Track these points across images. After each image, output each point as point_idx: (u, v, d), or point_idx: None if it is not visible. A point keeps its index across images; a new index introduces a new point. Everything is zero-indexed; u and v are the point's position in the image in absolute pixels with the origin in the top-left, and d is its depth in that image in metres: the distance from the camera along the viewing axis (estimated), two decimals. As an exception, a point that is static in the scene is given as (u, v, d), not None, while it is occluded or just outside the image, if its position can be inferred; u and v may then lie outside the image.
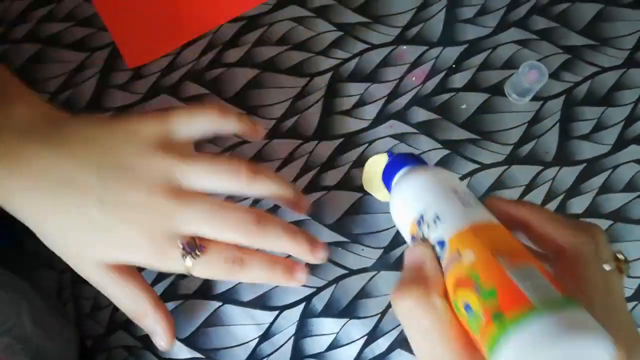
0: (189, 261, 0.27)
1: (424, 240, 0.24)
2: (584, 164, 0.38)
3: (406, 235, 0.26)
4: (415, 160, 0.28)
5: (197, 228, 0.27)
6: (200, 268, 0.27)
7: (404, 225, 0.26)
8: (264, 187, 0.29)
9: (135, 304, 0.29)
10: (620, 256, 0.23)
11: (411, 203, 0.26)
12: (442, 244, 0.23)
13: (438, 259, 0.23)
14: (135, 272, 0.29)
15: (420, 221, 0.25)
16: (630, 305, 0.36)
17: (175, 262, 0.27)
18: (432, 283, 0.22)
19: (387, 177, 0.29)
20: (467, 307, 0.21)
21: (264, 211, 0.29)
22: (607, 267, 0.22)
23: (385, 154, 0.37)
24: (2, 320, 0.28)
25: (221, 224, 0.27)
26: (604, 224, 0.37)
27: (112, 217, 0.27)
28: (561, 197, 0.37)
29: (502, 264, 0.20)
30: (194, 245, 0.27)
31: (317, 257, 0.29)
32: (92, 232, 0.27)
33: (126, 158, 0.27)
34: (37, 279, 0.36)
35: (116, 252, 0.27)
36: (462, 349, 0.21)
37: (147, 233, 0.27)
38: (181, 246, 0.27)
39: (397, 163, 0.28)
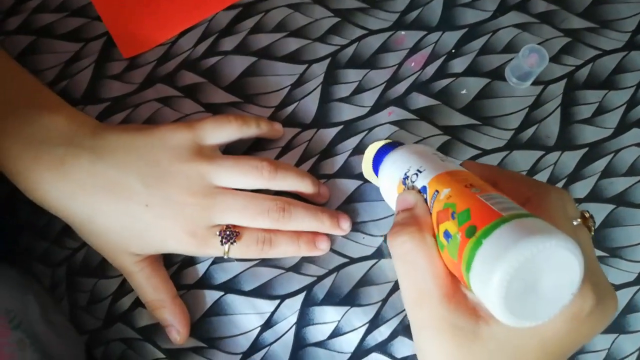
0: (226, 247, 0.32)
1: (412, 188, 0.27)
2: (586, 148, 0.37)
3: (393, 200, 0.29)
4: (397, 145, 0.31)
5: (231, 218, 0.32)
6: (236, 251, 0.32)
7: (393, 194, 0.29)
8: (285, 181, 0.33)
9: (156, 295, 0.33)
10: (586, 214, 0.25)
11: (395, 171, 0.29)
12: (424, 188, 0.26)
13: (425, 202, 0.25)
14: (161, 266, 0.34)
15: (404, 180, 0.28)
16: (632, 290, 0.35)
17: (214, 249, 0.32)
18: (423, 222, 0.24)
19: (375, 167, 0.32)
20: (446, 234, 0.23)
21: (287, 198, 0.33)
22: (575, 222, 0.24)
23: (385, 141, 0.37)
24: (12, 316, 0.28)
25: (251, 213, 0.32)
26: (606, 208, 0.36)
27: (157, 215, 0.31)
28: (563, 181, 0.37)
29: (474, 192, 0.23)
30: (230, 233, 0.32)
31: (342, 227, 0.34)
32: (136, 230, 0.31)
33: (164, 163, 0.31)
34: (33, 275, 0.35)
35: (158, 245, 0.32)
36: (447, 283, 0.23)
37: (189, 227, 0.31)
38: (219, 235, 0.32)
39: (380, 152, 0.31)
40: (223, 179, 0.32)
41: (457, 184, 0.24)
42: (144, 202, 0.31)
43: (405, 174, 0.28)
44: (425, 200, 0.25)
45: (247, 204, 0.32)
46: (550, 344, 0.22)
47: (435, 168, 0.26)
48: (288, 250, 0.33)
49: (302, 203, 0.34)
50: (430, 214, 0.25)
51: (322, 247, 0.34)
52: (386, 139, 0.37)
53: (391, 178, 0.29)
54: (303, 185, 0.34)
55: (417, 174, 0.27)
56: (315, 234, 0.34)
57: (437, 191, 0.25)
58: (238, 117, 0.34)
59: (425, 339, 0.23)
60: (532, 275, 0.19)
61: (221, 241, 0.32)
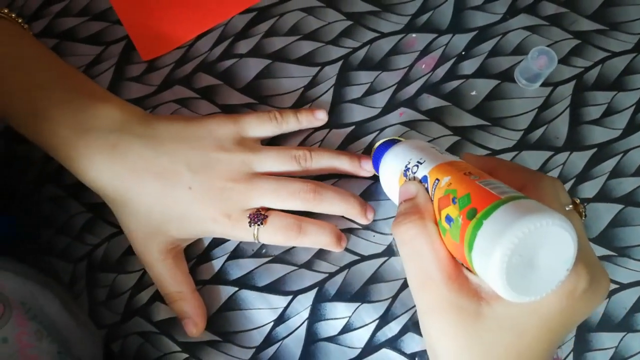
0: (255, 230, 0.33)
1: (413, 178, 0.28)
2: (595, 149, 0.38)
3: (394, 192, 0.30)
4: (396, 142, 0.32)
5: (265, 200, 0.33)
6: (265, 235, 0.34)
7: (394, 186, 0.30)
8: (320, 163, 0.35)
9: (178, 286, 0.34)
10: (577, 200, 0.26)
11: (396, 164, 0.30)
12: (425, 178, 0.27)
13: (427, 191, 0.27)
14: (184, 260, 0.36)
15: (405, 172, 0.29)
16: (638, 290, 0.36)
17: (245, 232, 0.33)
18: (425, 210, 0.26)
19: (376, 162, 0.33)
20: (448, 219, 0.24)
21: (319, 182, 0.35)
22: (567, 208, 0.25)
23: (393, 138, 0.38)
24: (27, 307, 0.29)
25: (283, 195, 0.33)
26: (615, 208, 0.37)
27: (198, 197, 0.33)
28: (572, 181, 0.37)
29: (473, 179, 0.24)
30: (258, 216, 0.33)
31: (368, 217, 0.36)
32: (178, 212, 0.33)
33: (210, 152, 0.33)
34: (52, 270, 0.37)
35: (197, 226, 0.34)
36: (449, 266, 0.24)
37: (225, 209, 0.33)
38: (248, 218, 0.33)
39: (380, 148, 0.33)
40: (263, 166, 0.34)
41: (457, 172, 0.25)
42: (187, 185, 0.32)
43: (406, 166, 0.29)
44: (427, 189, 0.27)
45: (279, 186, 0.34)
46: (548, 321, 0.23)
47: (434, 159, 0.28)
48: (316, 238, 0.34)
49: (332, 187, 0.35)
50: (432, 201, 0.26)
51: (343, 244, 0.36)
52: (394, 137, 0.38)
53: (392, 171, 0.31)
54: (339, 162, 0.36)
55: (417, 165, 0.28)
56: (337, 229, 0.36)
57: (437, 179, 0.26)
58: (278, 114, 0.36)
59: (430, 320, 0.25)
60: (530, 251, 0.21)
61: (249, 223, 0.33)
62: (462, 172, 0.25)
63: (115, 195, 0.33)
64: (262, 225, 0.33)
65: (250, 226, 0.33)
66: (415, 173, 0.28)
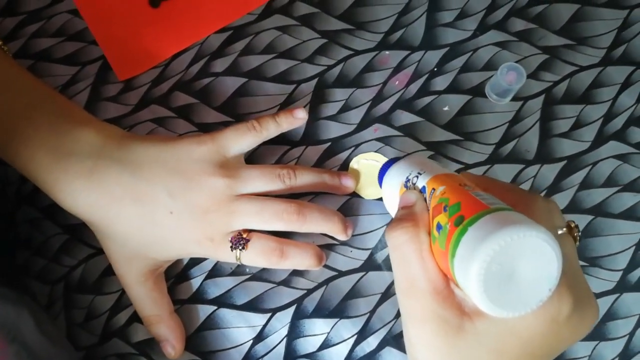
0: (237, 253, 0.33)
1: (413, 188, 0.29)
2: (565, 161, 0.39)
3: (395, 205, 0.30)
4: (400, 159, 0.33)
5: (248, 222, 0.33)
6: (247, 258, 0.33)
7: (395, 198, 0.30)
8: (304, 181, 0.35)
9: (157, 309, 0.34)
10: (572, 224, 0.26)
11: (398, 177, 0.31)
12: (424, 188, 0.28)
13: (425, 201, 0.27)
14: (163, 281, 0.35)
15: (406, 183, 0.30)
16: (611, 298, 0.37)
17: (228, 254, 0.33)
18: (420, 218, 0.26)
19: (380, 179, 0.34)
20: (438, 226, 0.24)
21: (302, 201, 0.35)
22: (560, 231, 0.25)
23: (368, 153, 0.38)
24: (8, 330, 0.29)
25: (267, 215, 0.33)
26: (585, 218, 0.38)
27: (180, 221, 0.32)
28: (543, 193, 0.38)
29: (467, 190, 0.25)
30: (239, 240, 0.33)
31: (348, 233, 0.36)
32: (159, 236, 0.33)
33: (190, 175, 0.33)
34: (29, 291, 0.36)
35: (178, 249, 0.34)
36: (436, 277, 0.24)
37: (209, 233, 0.33)
38: (230, 242, 0.33)
39: (385, 165, 0.33)
40: (245, 188, 0.34)
41: (452, 182, 0.26)
42: (168, 209, 0.32)
43: (407, 178, 0.29)
44: (425, 199, 0.27)
45: (262, 208, 0.33)
46: (529, 345, 0.23)
47: (433, 170, 0.28)
48: (297, 261, 0.34)
49: (316, 205, 0.35)
50: (429, 211, 0.26)
51: (323, 262, 0.36)
52: (374, 152, 0.39)
53: (394, 183, 0.31)
54: (321, 180, 0.36)
55: (417, 176, 0.29)
56: (318, 249, 0.36)
57: (433, 189, 0.26)
58: (256, 122, 0.35)
59: (413, 328, 0.25)
60: (511, 262, 0.20)
61: (231, 247, 0.33)
62: (457, 183, 0.26)
63: (94, 220, 0.33)
64: (243, 250, 0.33)
65: (232, 250, 0.33)
66: (415, 183, 0.29)
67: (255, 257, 0.33)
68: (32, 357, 0.29)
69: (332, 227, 0.35)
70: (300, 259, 0.34)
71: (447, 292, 0.24)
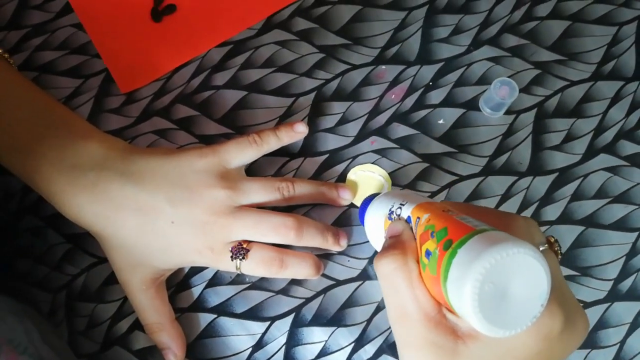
0: (237, 263, 0.34)
1: (399, 218, 0.29)
2: (556, 173, 0.40)
3: (380, 239, 0.31)
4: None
5: (246, 233, 0.34)
6: (247, 267, 0.34)
7: (379, 232, 0.31)
8: (303, 195, 0.36)
9: (158, 317, 0.35)
10: (552, 239, 0.27)
11: (380, 210, 0.31)
12: (409, 218, 0.28)
13: (412, 231, 0.27)
14: (164, 290, 0.36)
15: (390, 215, 0.30)
16: (603, 307, 0.37)
17: (229, 264, 0.34)
18: (408, 246, 0.26)
19: (361, 216, 0.34)
20: (427, 253, 0.24)
21: (300, 216, 0.35)
22: (541, 247, 0.26)
23: (366, 165, 0.39)
24: (17, 343, 0.29)
25: (265, 228, 0.34)
26: (576, 229, 0.39)
27: (181, 232, 0.33)
28: (535, 205, 0.39)
29: (451, 215, 0.25)
30: (239, 250, 0.34)
31: (341, 244, 0.37)
32: (160, 245, 0.33)
33: (191, 186, 0.33)
34: (31, 300, 0.37)
35: (180, 258, 0.34)
36: (427, 304, 0.24)
37: (210, 243, 0.33)
38: (230, 252, 0.34)
39: (365, 202, 0.34)
40: (246, 200, 0.34)
41: (436, 209, 0.26)
42: (169, 219, 0.33)
43: (390, 210, 0.30)
44: (411, 228, 0.27)
45: (260, 220, 0.34)
46: None
47: (416, 200, 0.29)
48: (297, 271, 0.35)
49: (312, 221, 0.36)
50: (416, 240, 0.26)
51: (320, 273, 0.36)
52: (371, 163, 0.40)
53: (377, 217, 0.31)
54: (319, 192, 0.37)
55: (400, 207, 0.29)
56: (316, 258, 0.36)
57: (418, 217, 0.27)
58: (256, 135, 0.36)
59: (407, 354, 0.25)
60: (503, 280, 0.21)
61: (231, 257, 0.34)
62: (441, 209, 0.26)
63: (98, 230, 0.33)
64: (244, 260, 0.34)
65: (232, 260, 0.34)
66: (399, 214, 0.29)
67: (255, 266, 0.34)
68: None
69: (324, 242, 0.36)
70: (299, 268, 0.35)
71: (439, 318, 0.24)
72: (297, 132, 0.37)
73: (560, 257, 0.27)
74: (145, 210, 0.33)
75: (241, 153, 0.35)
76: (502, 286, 0.21)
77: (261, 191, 0.35)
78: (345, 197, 0.37)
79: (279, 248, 0.35)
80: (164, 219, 0.33)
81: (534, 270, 0.21)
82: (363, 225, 0.34)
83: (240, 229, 0.34)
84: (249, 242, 0.34)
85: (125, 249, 0.34)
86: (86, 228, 0.34)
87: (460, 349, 0.23)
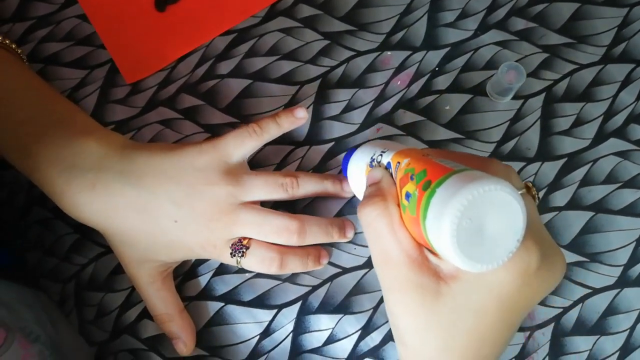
0: (237, 259, 0.34)
1: (379, 166, 0.29)
2: (565, 158, 0.39)
3: (361, 186, 0.31)
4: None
5: (247, 231, 0.34)
6: (248, 264, 0.34)
7: (362, 180, 0.31)
8: (307, 189, 0.36)
9: (167, 308, 0.35)
10: (529, 184, 0.28)
11: (362, 160, 0.31)
12: (389, 164, 0.28)
13: (391, 176, 0.28)
14: (172, 281, 0.36)
15: (371, 163, 0.30)
16: (612, 294, 0.37)
17: (230, 259, 0.34)
18: (389, 193, 0.26)
19: (344, 167, 0.35)
20: (407, 195, 0.25)
21: (303, 216, 0.35)
22: (519, 192, 0.25)
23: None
24: (28, 331, 0.30)
25: (267, 229, 0.34)
26: (586, 215, 0.38)
27: (185, 229, 0.33)
28: (544, 190, 0.39)
29: (430, 158, 0.26)
30: (238, 247, 0.34)
31: (348, 236, 0.37)
32: (165, 242, 0.33)
33: (193, 184, 0.33)
34: (42, 289, 0.37)
35: (185, 253, 0.34)
36: (409, 247, 0.25)
37: (213, 240, 0.33)
38: (230, 248, 0.34)
39: (348, 153, 0.34)
40: (249, 196, 0.34)
41: (416, 154, 0.27)
42: (173, 218, 0.33)
43: (372, 158, 0.30)
44: (391, 174, 0.28)
45: (263, 221, 0.34)
46: (505, 300, 0.24)
47: (396, 147, 0.29)
48: (297, 269, 0.35)
49: (315, 220, 0.35)
50: (395, 185, 0.27)
51: (324, 263, 0.37)
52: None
53: (358, 166, 0.32)
54: (323, 187, 0.36)
55: (381, 155, 0.29)
56: (320, 250, 0.36)
57: (398, 162, 0.27)
58: (256, 125, 0.35)
59: (392, 298, 0.26)
60: (480, 217, 0.21)
61: (231, 254, 0.34)
62: (421, 154, 0.27)
63: (101, 228, 0.34)
64: (243, 257, 0.34)
65: (232, 257, 0.34)
66: (380, 161, 0.29)
67: (255, 264, 0.34)
68: (54, 354, 0.30)
69: (331, 238, 0.36)
70: (300, 266, 0.35)
71: (421, 259, 0.25)
72: (298, 118, 0.36)
73: (537, 201, 0.28)
74: (148, 210, 0.33)
75: (241, 145, 0.35)
76: (479, 222, 0.21)
77: (264, 187, 0.34)
78: (348, 190, 0.37)
79: (280, 247, 0.35)
80: (167, 217, 0.33)
81: (510, 207, 0.22)
82: (346, 176, 0.34)
83: (242, 228, 0.34)
84: (249, 239, 0.34)
85: (129, 246, 0.34)
86: (90, 226, 0.34)
87: (443, 289, 0.24)
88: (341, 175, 0.38)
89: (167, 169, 0.33)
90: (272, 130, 0.36)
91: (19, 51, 0.37)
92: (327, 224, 0.36)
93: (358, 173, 0.32)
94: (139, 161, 0.33)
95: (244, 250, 0.34)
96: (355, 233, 0.38)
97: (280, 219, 0.34)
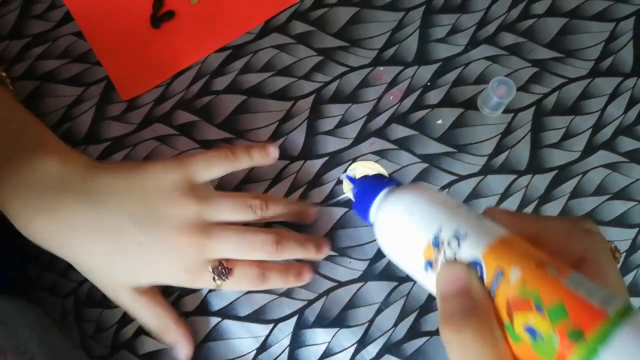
0: (219, 282, 0.33)
1: (454, 259, 0.22)
2: (555, 171, 0.40)
3: (411, 261, 0.24)
4: (389, 181, 0.26)
5: (225, 252, 0.33)
6: (229, 285, 0.33)
7: (406, 251, 0.24)
8: (275, 213, 0.35)
9: (160, 321, 0.34)
10: (612, 245, 0.25)
11: (414, 225, 0.24)
12: (475, 263, 0.21)
13: (480, 280, 0.21)
14: (159, 294, 0.35)
15: (436, 242, 0.23)
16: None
17: (207, 283, 0.33)
18: (488, 311, 0.20)
19: (362, 204, 0.27)
20: (531, 331, 0.19)
21: (279, 230, 0.35)
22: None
23: (367, 162, 0.40)
24: (23, 350, 0.30)
25: (245, 247, 0.33)
26: (576, 226, 0.39)
27: (151, 254, 0.32)
28: (535, 203, 0.39)
29: (553, 276, 0.20)
30: (221, 270, 0.33)
31: (323, 255, 0.36)
32: (131, 266, 0.32)
33: (157, 205, 0.32)
34: (41, 305, 0.38)
35: (153, 279, 0.33)
36: None
37: (184, 264, 0.32)
38: (211, 272, 0.33)
39: (370, 187, 0.26)
40: (216, 216, 0.33)
41: (526, 262, 0.20)
42: (137, 241, 0.31)
43: (436, 237, 0.23)
44: (480, 277, 0.21)
45: (241, 239, 0.33)
46: None
47: (480, 232, 0.22)
48: (279, 284, 0.35)
49: (292, 234, 0.36)
50: (490, 296, 0.21)
51: (307, 279, 0.36)
52: (379, 173, 0.40)
53: (402, 232, 0.24)
54: (290, 213, 0.37)
55: (457, 239, 0.22)
56: (302, 266, 0.36)
57: (501, 271, 0.20)
58: (228, 151, 0.35)
59: None
60: None
61: (213, 278, 0.33)
62: (532, 261, 0.20)
63: (62, 256, 0.32)
64: (226, 280, 0.33)
65: (214, 280, 0.33)
66: (455, 251, 0.22)
67: (238, 283, 0.34)
68: None
69: (306, 254, 0.36)
70: (281, 282, 0.35)
71: None
72: (269, 157, 0.36)
73: (619, 263, 0.26)
74: (110, 233, 0.31)
75: (211, 167, 0.34)
76: None
77: (233, 208, 0.34)
78: (313, 215, 0.38)
79: (261, 263, 0.34)
80: (131, 241, 0.31)
81: None
82: (364, 219, 0.27)
83: (217, 249, 0.32)
84: (229, 259, 0.33)
85: (96, 272, 0.33)
86: (50, 251, 0.32)
87: None
88: (310, 202, 0.38)
89: (130, 189, 0.32)
90: (243, 160, 0.35)
91: (3, 74, 0.36)
92: (304, 239, 0.36)
93: (399, 241, 0.24)
94: (102, 182, 0.32)
95: (228, 272, 0.33)
96: (349, 247, 0.38)
97: (257, 234, 0.33)
